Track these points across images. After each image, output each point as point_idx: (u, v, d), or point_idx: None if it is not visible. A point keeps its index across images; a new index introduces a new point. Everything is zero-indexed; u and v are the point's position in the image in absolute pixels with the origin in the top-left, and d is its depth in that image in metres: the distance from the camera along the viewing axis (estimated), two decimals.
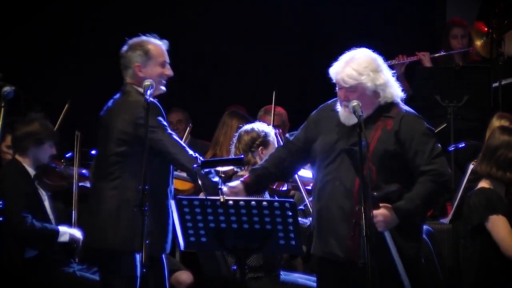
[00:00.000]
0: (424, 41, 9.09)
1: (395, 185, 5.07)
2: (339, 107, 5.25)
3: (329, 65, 5.32)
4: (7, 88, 5.26)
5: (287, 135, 5.56)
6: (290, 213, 4.79)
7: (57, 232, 6.38)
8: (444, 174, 5.15)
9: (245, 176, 5.39)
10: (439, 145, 5.24)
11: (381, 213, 5.02)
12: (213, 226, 4.86)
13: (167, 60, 5.56)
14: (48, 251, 6.44)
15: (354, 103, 5.06)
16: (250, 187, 5.33)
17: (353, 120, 5.09)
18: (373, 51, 5.28)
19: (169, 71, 5.55)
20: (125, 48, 5.57)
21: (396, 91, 5.25)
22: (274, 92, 7.73)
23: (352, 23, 9.39)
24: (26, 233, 6.25)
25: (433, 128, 5.29)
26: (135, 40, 5.58)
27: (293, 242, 4.86)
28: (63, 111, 7.66)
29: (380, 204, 5.03)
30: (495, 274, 5.82)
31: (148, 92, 5.20)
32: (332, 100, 5.37)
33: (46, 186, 6.55)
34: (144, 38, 5.57)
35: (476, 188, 5.94)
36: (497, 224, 5.78)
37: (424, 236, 5.95)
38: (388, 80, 5.22)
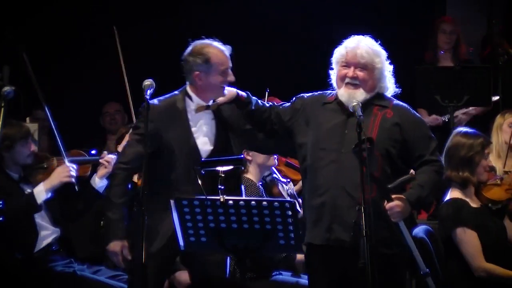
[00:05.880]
0: (423, 41, 9.09)
1: (408, 175, 5.11)
2: (335, 92, 5.26)
3: (325, 65, 5.32)
4: (7, 88, 5.27)
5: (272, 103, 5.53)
6: (290, 213, 4.79)
7: (30, 196, 6.05)
8: (444, 168, 5.33)
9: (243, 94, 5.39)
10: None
11: (397, 204, 5.04)
12: (213, 226, 4.86)
13: (230, 66, 5.40)
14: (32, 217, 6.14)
15: (354, 103, 5.08)
16: (244, 103, 5.37)
17: (356, 98, 5.13)
18: None
19: (230, 78, 5.40)
20: (188, 51, 5.41)
21: (392, 85, 5.32)
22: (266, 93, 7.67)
23: (351, 22, 9.37)
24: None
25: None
26: (198, 44, 5.41)
27: (293, 242, 4.86)
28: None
29: (393, 196, 5.03)
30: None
31: (148, 92, 5.16)
32: (319, 93, 5.39)
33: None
34: (207, 42, 5.41)
35: (446, 199, 5.89)
36: (465, 238, 5.72)
37: (424, 235, 5.94)
38: (390, 71, 5.30)
